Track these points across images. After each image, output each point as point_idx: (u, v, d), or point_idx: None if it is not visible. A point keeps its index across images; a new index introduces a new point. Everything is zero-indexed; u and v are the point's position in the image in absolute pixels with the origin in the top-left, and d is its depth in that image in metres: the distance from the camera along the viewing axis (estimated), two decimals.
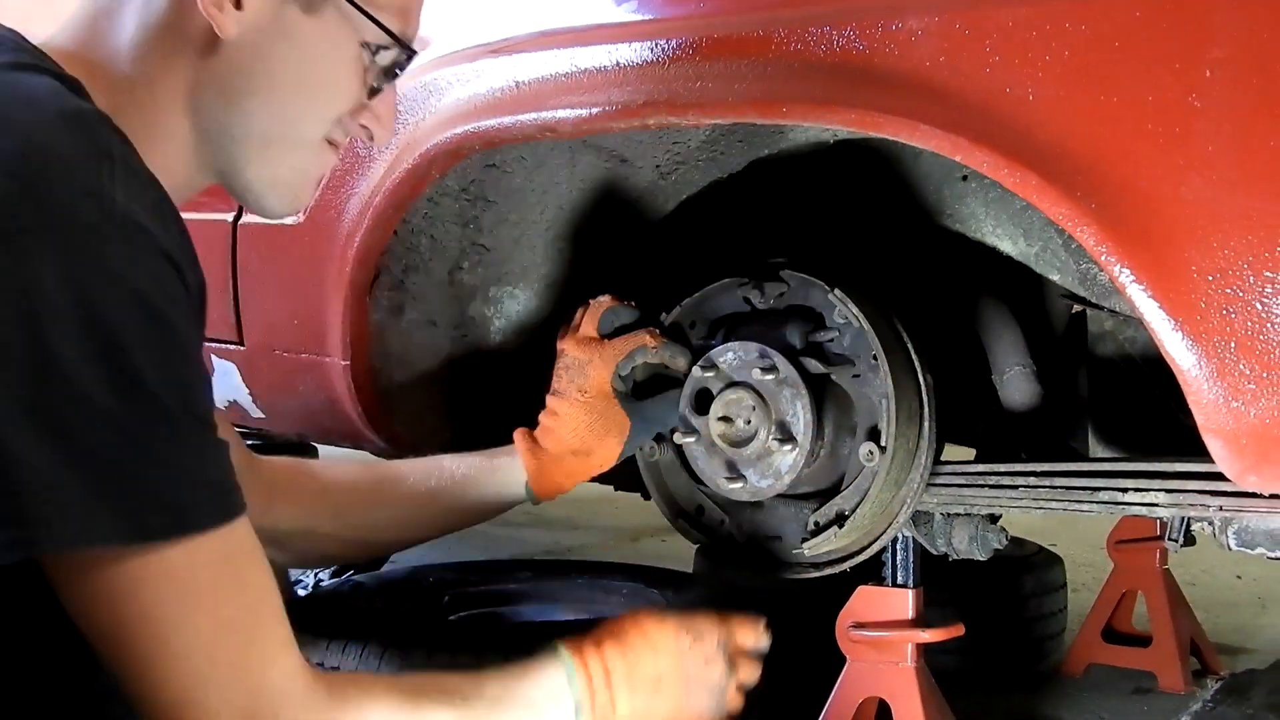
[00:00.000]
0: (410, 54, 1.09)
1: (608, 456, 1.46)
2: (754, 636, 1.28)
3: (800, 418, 1.38)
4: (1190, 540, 1.52)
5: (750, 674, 1.27)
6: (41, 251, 0.80)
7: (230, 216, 1.80)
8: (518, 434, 1.46)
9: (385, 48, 1.06)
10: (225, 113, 1.03)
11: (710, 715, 1.22)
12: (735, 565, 1.54)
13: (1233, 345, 0.99)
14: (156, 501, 0.84)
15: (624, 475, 1.58)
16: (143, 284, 0.83)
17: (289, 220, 1.70)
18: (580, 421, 1.44)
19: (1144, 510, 1.31)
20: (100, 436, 0.81)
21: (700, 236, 1.75)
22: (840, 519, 1.42)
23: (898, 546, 1.61)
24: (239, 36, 1.00)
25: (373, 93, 1.09)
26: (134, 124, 0.94)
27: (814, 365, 1.39)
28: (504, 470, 1.45)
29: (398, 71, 1.09)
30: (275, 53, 1.01)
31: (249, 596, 0.91)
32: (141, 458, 0.83)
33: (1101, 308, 1.57)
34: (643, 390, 1.50)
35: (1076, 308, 1.67)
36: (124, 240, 0.83)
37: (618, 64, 1.32)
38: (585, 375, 1.44)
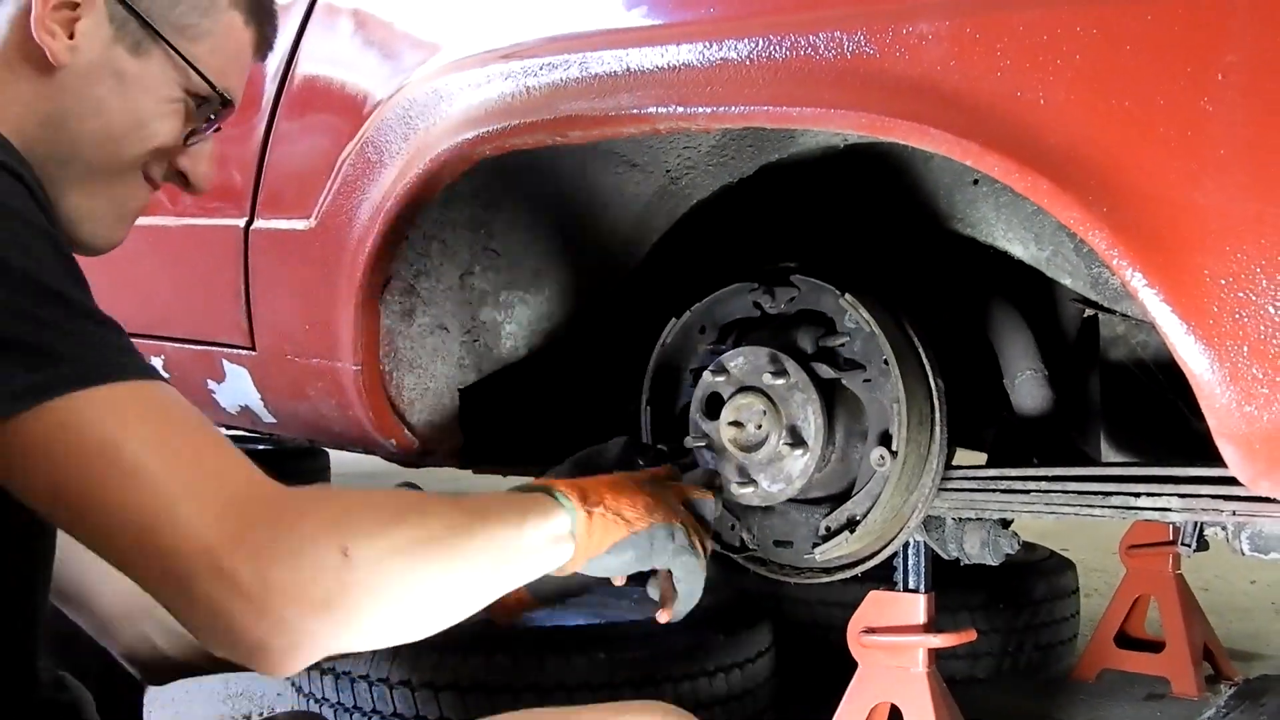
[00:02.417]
0: (227, 106, 1.16)
1: None
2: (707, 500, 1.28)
3: (811, 422, 1.38)
4: (1203, 545, 1.52)
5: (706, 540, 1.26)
6: None
7: (243, 222, 1.80)
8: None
9: (206, 99, 1.14)
10: (54, 135, 1.09)
11: (678, 514, 1.22)
12: (747, 570, 1.54)
13: (1246, 349, 0.98)
14: (87, 357, 0.87)
15: None
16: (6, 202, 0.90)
17: (300, 225, 1.70)
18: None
19: (1157, 515, 1.31)
20: (12, 326, 0.85)
21: (711, 241, 1.75)
22: (851, 524, 1.42)
23: (909, 551, 1.61)
24: (71, 65, 1.07)
25: (191, 135, 1.15)
26: None
27: (825, 370, 1.39)
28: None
29: (212, 118, 1.16)
30: (103, 84, 1.09)
31: (200, 430, 0.91)
32: (55, 334, 0.87)
33: (1113, 312, 1.57)
34: None
35: (1088, 312, 1.67)
36: None
37: (628, 69, 1.32)
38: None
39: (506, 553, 1.04)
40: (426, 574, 0.95)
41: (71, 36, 1.07)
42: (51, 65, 1.07)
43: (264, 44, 1.20)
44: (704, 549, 1.24)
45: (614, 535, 1.15)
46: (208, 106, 1.15)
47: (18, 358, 0.85)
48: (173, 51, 1.11)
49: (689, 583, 1.23)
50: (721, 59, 1.25)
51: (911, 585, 1.61)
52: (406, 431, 1.68)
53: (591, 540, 1.13)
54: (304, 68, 1.76)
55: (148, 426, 0.88)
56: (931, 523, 1.52)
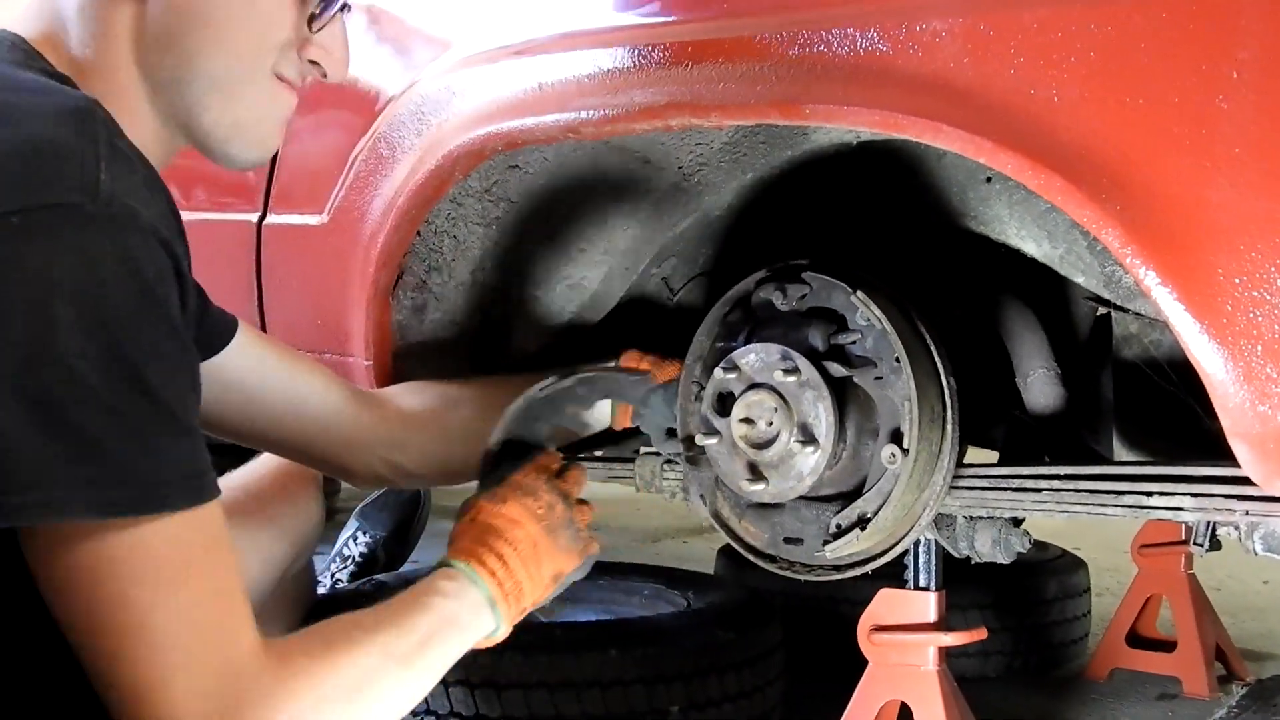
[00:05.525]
0: None
1: None
2: (578, 480, 1.36)
3: (822, 420, 1.38)
4: (1216, 545, 1.51)
5: (586, 513, 1.34)
6: (37, 235, 0.83)
7: (255, 217, 1.81)
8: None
9: None
10: (170, 58, 1.04)
11: (578, 551, 1.31)
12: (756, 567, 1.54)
13: (1259, 349, 0.98)
14: (133, 478, 0.85)
15: None
16: (132, 265, 0.86)
17: (313, 220, 1.70)
18: None
19: (1169, 514, 1.31)
20: (85, 412, 0.83)
21: (724, 237, 1.75)
22: (862, 522, 1.41)
23: (920, 549, 1.61)
24: None
25: (312, 20, 1.10)
26: (97, 92, 0.97)
27: (836, 368, 1.39)
28: None
29: (346, 7, 1.12)
30: None
31: (215, 579, 0.92)
32: (122, 434, 0.85)
33: (1126, 310, 1.56)
34: None
35: (1101, 310, 1.66)
36: (113, 223, 0.85)
37: (640, 65, 1.32)
38: None
39: (446, 654, 1.13)
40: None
41: None
42: None
43: None
44: (592, 547, 1.35)
45: (534, 597, 1.25)
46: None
47: (85, 459, 0.84)
48: None
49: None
50: (734, 55, 1.25)
51: (922, 583, 1.61)
52: None
53: (514, 609, 1.21)
54: None
55: (176, 577, 0.89)
56: (943, 520, 1.52)
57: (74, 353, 0.82)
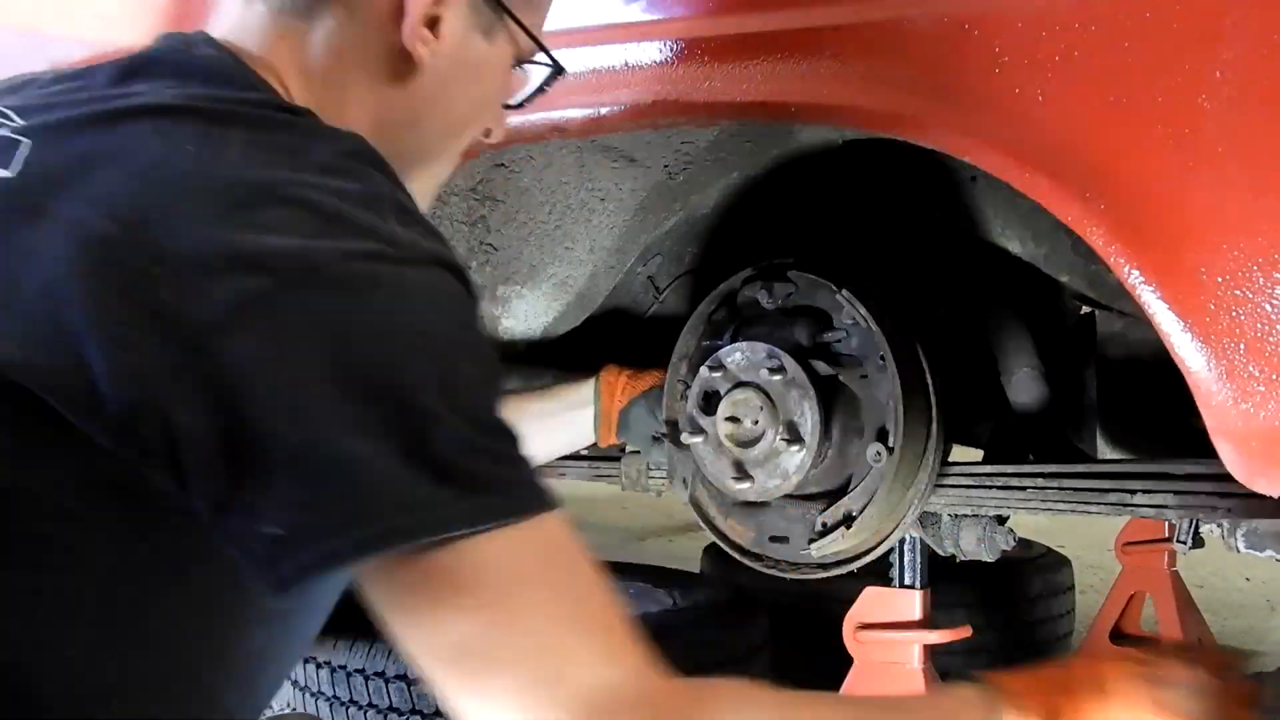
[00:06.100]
0: (559, 71, 1.10)
1: None
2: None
3: (808, 418, 1.38)
4: (1199, 542, 1.52)
5: None
6: (385, 289, 0.81)
7: None
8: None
9: (529, 60, 1.08)
10: (405, 135, 1.02)
11: None
12: (743, 565, 1.54)
13: (1242, 347, 0.98)
14: (495, 488, 0.81)
15: None
16: (459, 315, 0.85)
17: None
18: None
19: (1152, 512, 1.31)
20: (445, 446, 0.80)
21: (710, 236, 1.75)
22: (848, 520, 1.42)
23: (905, 547, 1.61)
24: (430, 65, 0.99)
25: (512, 104, 1.12)
26: None
27: (822, 366, 1.39)
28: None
29: (545, 88, 1.12)
30: (459, 77, 1.02)
31: (583, 585, 0.85)
32: (469, 449, 0.81)
33: (1110, 309, 1.57)
34: None
35: (1085, 309, 1.67)
36: (433, 273, 0.84)
37: (626, 64, 1.32)
38: None
39: None
40: None
41: (437, 36, 0.98)
42: (410, 71, 0.99)
43: None
44: None
45: None
46: (531, 68, 1.10)
47: (448, 480, 0.79)
48: (518, 27, 1.04)
49: None
50: (719, 54, 1.25)
51: (907, 581, 1.61)
52: None
53: None
54: None
55: (544, 582, 0.83)
56: (928, 519, 1.53)
57: (428, 401, 0.80)
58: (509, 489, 0.83)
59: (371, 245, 0.81)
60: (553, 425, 1.57)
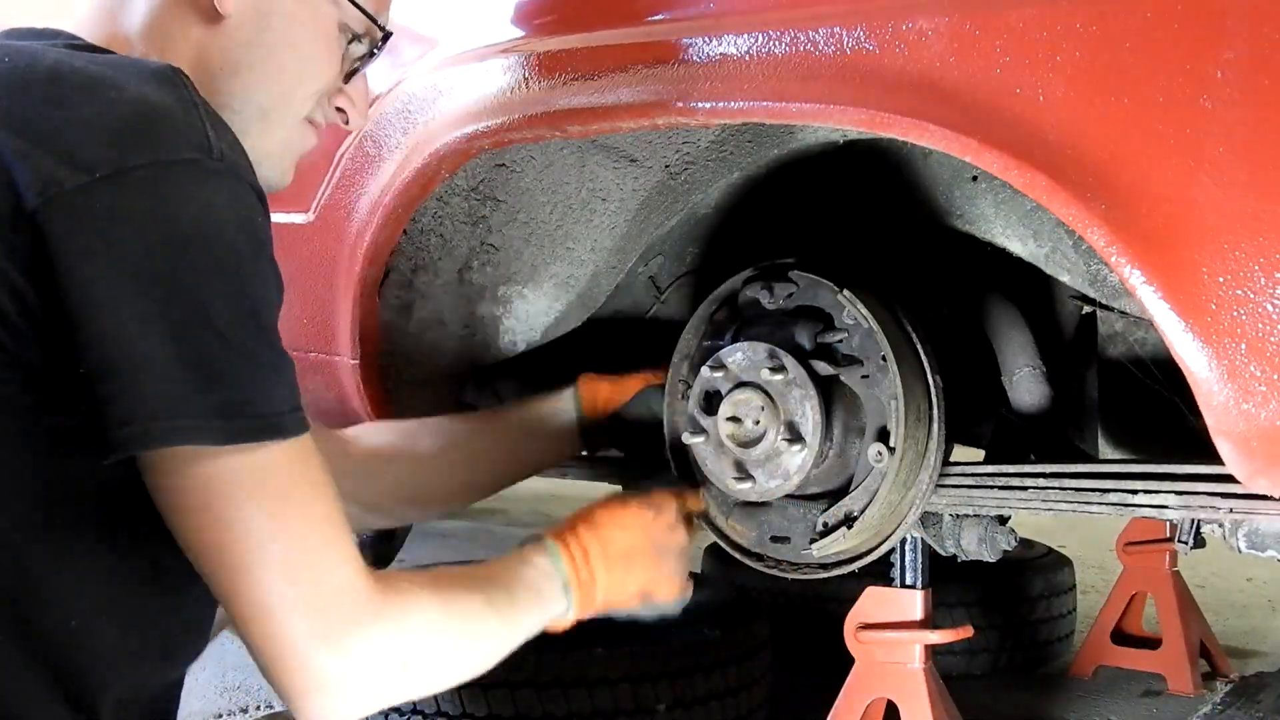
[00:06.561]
0: (385, 37, 1.20)
1: None
2: (700, 502, 1.46)
3: (809, 418, 1.38)
4: (1200, 543, 1.52)
5: (698, 537, 1.42)
6: (164, 188, 0.92)
7: None
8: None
9: (359, 36, 1.18)
10: (226, 84, 1.11)
11: (678, 576, 1.36)
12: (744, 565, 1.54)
13: (1243, 347, 0.98)
14: (254, 408, 0.93)
15: None
16: (245, 214, 0.96)
17: (299, 219, 1.70)
18: None
19: (1154, 512, 1.31)
20: (215, 347, 0.91)
21: (711, 236, 1.75)
22: (849, 520, 1.42)
23: (906, 547, 1.61)
24: (238, 11, 1.09)
25: (349, 76, 1.19)
26: None
27: (823, 366, 1.39)
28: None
29: (375, 52, 1.20)
30: (270, 27, 1.11)
31: (321, 505, 0.98)
32: (245, 368, 0.93)
33: (1111, 309, 1.57)
34: None
35: (1086, 309, 1.67)
36: (230, 177, 0.95)
37: (626, 63, 1.32)
38: None
39: (531, 618, 1.19)
40: (467, 666, 1.12)
41: None
42: (218, 17, 1.09)
43: None
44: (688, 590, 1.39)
45: (609, 597, 1.28)
46: (361, 41, 1.18)
47: (213, 389, 0.91)
48: None
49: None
50: (721, 54, 1.25)
51: (909, 581, 1.61)
52: None
53: (584, 598, 1.25)
54: None
55: (288, 502, 0.96)
56: (929, 519, 1.53)
57: (206, 294, 0.91)
58: (270, 411, 0.95)
59: (184, 154, 0.92)
60: (531, 437, 1.58)
